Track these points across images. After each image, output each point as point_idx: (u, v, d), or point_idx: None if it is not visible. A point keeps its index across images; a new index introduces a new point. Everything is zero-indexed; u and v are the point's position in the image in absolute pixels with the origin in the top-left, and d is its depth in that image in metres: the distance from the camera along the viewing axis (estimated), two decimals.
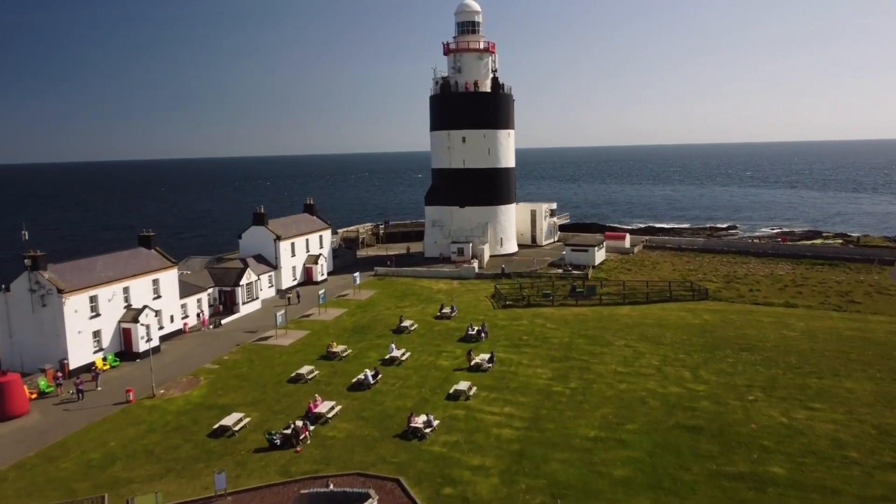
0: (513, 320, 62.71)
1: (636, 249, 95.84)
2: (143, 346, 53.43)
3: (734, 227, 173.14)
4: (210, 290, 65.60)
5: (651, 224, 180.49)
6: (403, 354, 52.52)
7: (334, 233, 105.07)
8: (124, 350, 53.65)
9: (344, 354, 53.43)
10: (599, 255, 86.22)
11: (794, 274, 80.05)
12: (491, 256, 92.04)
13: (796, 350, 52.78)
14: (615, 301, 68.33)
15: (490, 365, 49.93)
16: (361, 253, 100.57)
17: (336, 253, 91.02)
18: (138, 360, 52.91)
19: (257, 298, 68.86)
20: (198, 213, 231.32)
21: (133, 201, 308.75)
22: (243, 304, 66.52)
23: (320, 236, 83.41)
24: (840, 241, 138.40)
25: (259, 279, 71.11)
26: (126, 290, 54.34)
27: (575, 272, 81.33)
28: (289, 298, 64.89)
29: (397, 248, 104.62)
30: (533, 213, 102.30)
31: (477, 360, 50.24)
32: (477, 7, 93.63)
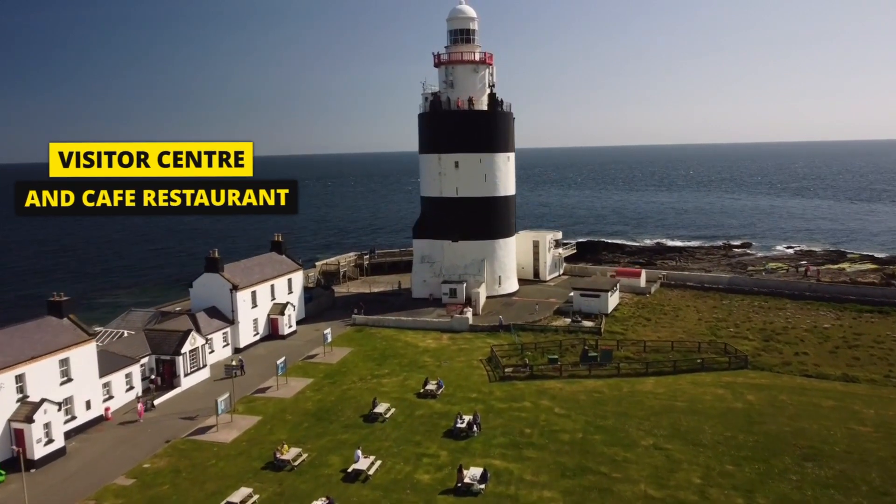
0: (513, 401, 51.10)
1: (653, 289, 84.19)
2: (41, 452, 41.89)
3: (748, 244, 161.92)
4: (145, 360, 54.02)
5: (660, 240, 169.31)
6: (372, 465, 40.86)
7: (312, 266, 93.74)
8: (16, 457, 42.05)
9: (296, 463, 41.74)
10: (613, 301, 74.61)
11: (843, 327, 68.37)
12: (488, 298, 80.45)
13: (875, 458, 41.20)
14: (636, 370, 56.70)
15: (482, 486, 38.36)
16: (341, 290, 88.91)
17: (311, 294, 79.42)
18: (33, 471, 41.33)
19: (205, 366, 57.23)
20: (192, 225, 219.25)
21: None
22: (186, 375, 54.91)
23: (289, 280, 71.78)
24: (868, 263, 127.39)
25: (209, 340, 59.60)
26: (20, 378, 42.72)
27: (585, 322, 69.81)
28: (235, 373, 53.49)
29: (385, 283, 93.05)
30: (535, 245, 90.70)
31: (467, 477, 38.66)
32: (472, 13, 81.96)
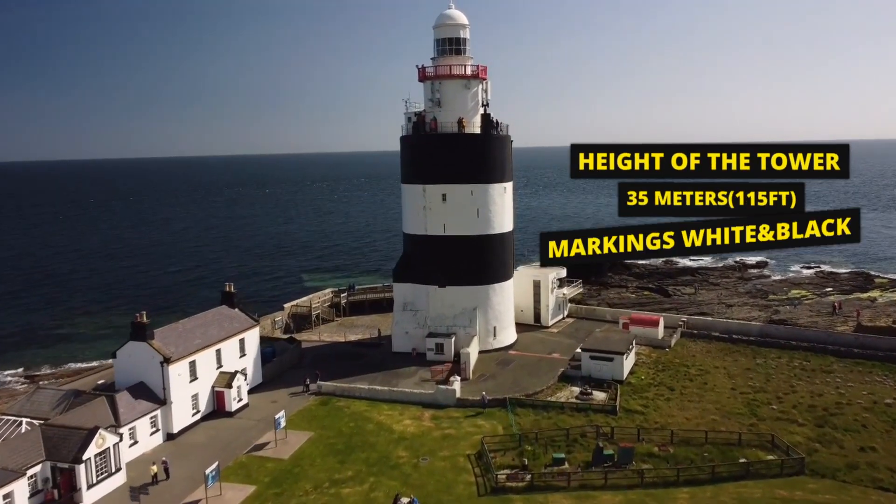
0: None
1: (673, 341, 72.25)
2: None
3: (764, 264, 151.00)
4: (37, 469, 42.18)
5: (669, 258, 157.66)
6: None
7: (280, 308, 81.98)
8: None
9: None
10: (628, 364, 62.77)
11: None
12: (481, 353, 68.70)
13: None
14: (664, 477, 44.73)
15: None
16: (313, 337, 77.12)
17: (273, 348, 67.60)
18: None
19: (119, 470, 45.37)
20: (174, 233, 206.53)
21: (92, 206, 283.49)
22: (91, 487, 43.08)
23: (241, 340, 59.94)
24: None
25: (131, 430, 47.89)
26: None
27: (596, 394, 58.10)
28: (154, 476, 41.57)
29: (364, 327, 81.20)
30: (536, 285, 78.79)
31: None
32: (463, 19, 70.05)
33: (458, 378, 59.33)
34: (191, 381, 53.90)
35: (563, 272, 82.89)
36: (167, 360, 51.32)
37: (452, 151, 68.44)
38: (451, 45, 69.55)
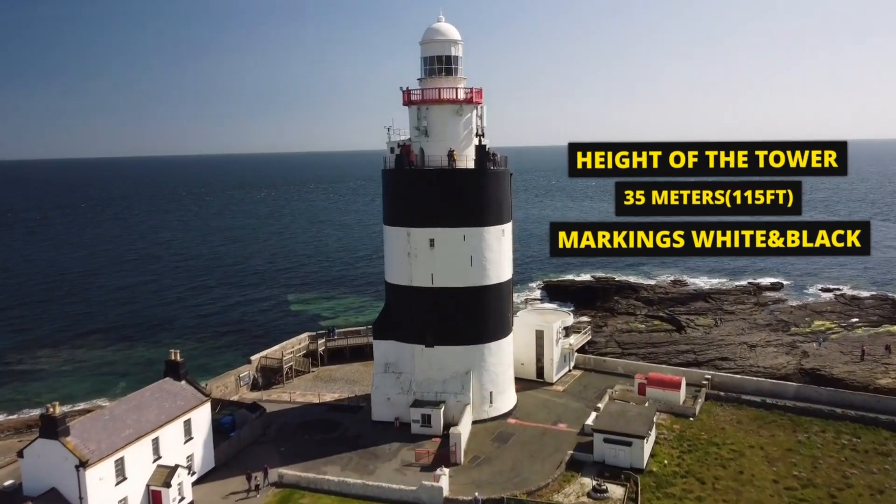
0: None
1: (698, 407, 62.40)
2: None
3: (779, 286, 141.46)
4: None
5: (678, 277, 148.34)
6: None
7: (247, 362, 72.14)
8: None
9: None
10: (648, 447, 52.82)
11: None
12: (474, 423, 58.99)
13: None
14: None
15: None
16: (283, 396, 67.37)
17: (232, 416, 57.89)
18: None
19: None
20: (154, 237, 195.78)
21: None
22: None
23: (186, 422, 50.06)
24: None
25: None
26: None
27: (611, 489, 48.27)
28: None
29: (343, 381, 71.72)
30: (539, 336, 68.98)
31: None
32: (454, 34, 60.12)
33: (446, 472, 49.17)
34: (117, 484, 44.03)
35: (569, 319, 73.10)
36: (84, 464, 41.47)
37: (441, 189, 58.48)
38: (440, 65, 59.69)
